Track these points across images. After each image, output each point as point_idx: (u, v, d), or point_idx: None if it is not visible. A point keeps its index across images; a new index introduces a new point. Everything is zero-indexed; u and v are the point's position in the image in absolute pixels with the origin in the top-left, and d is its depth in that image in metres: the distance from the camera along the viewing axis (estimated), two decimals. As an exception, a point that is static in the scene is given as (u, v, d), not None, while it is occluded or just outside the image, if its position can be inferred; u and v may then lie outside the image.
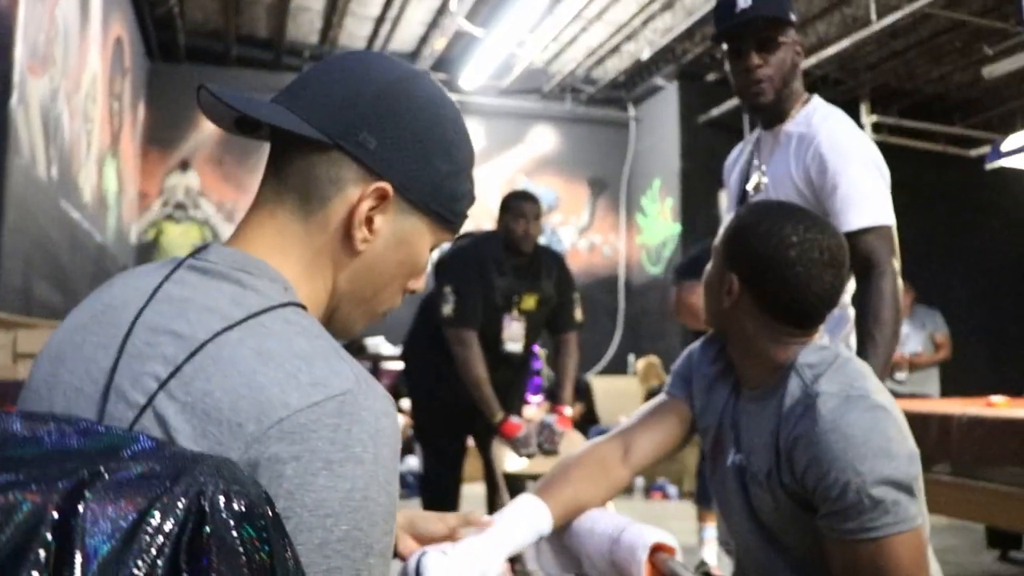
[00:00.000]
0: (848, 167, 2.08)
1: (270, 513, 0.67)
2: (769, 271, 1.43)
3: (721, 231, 1.57)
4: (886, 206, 2.09)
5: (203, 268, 0.89)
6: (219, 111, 0.93)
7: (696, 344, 1.71)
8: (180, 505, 0.62)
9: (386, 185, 0.91)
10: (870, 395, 1.36)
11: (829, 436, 1.30)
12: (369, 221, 0.92)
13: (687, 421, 1.65)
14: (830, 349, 1.47)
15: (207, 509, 0.62)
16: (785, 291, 1.43)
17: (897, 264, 2.06)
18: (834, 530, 1.32)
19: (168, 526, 0.61)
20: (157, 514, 0.61)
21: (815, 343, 1.48)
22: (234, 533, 0.63)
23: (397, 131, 0.92)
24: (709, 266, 1.57)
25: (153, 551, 0.60)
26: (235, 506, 0.64)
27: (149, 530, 0.61)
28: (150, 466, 0.64)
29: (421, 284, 1.04)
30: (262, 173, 0.96)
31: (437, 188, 0.95)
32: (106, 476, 0.62)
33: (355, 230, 0.92)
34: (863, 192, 2.06)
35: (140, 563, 0.60)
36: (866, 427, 1.31)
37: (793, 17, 2.18)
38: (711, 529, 4.21)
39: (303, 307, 0.89)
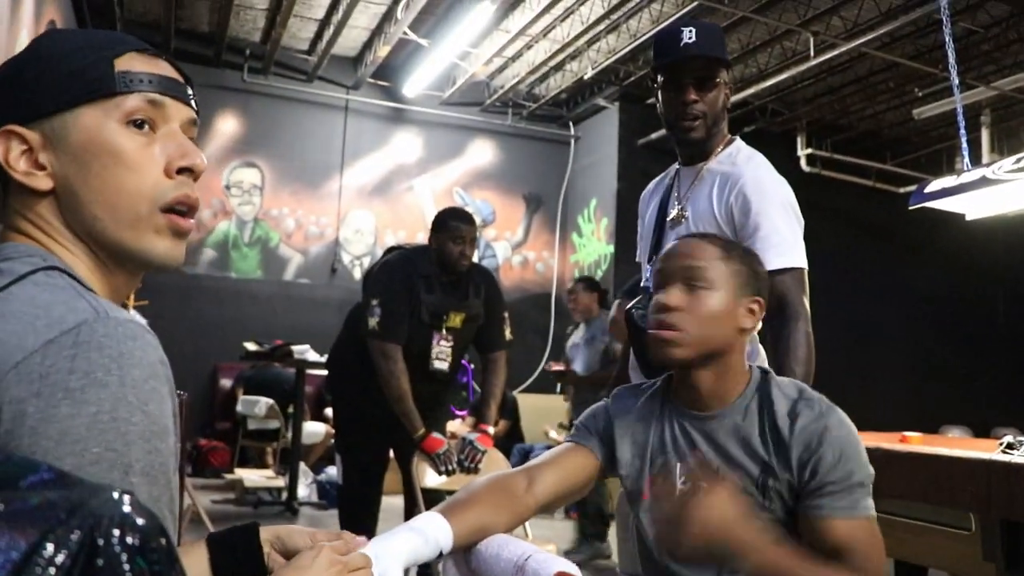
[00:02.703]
0: (770, 209, 2.15)
1: (164, 544, 0.67)
2: (766, 283, 1.70)
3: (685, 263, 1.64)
4: (801, 250, 2.19)
5: None
6: None
7: (600, 404, 1.78)
8: (74, 537, 0.62)
9: (7, 129, 0.95)
10: None
11: (840, 429, 1.54)
12: (37, 164, 0.95)
13: (591, 468, 1.73)
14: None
15: (100, 542, 0.63)
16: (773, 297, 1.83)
17: (808, 305, 2.14)
18: (832, 508, 1.50)
19: (60, 559, 0.61)
20: (50, 546, 0.61)
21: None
22: (126, 566, 0.63)
23: None
24: (714, 301, 1.59)
25: (43, 584, 0.61)
26: (129, 539, 0.64)
27: (40, 562, 0.60)
28: (47, 497, 0.64)
29: (189, 155, 1.00)
30: None
31: (45, 84, 0.96)
32: (1, 506, 0.62)
33: (20, 178, 0.95)
34: (782, 235, 2.14)
35: None
36: (855, 429, 1.57)
37: (728, 59, 2.25)
38: None
39: (61, 270, 0.90)
